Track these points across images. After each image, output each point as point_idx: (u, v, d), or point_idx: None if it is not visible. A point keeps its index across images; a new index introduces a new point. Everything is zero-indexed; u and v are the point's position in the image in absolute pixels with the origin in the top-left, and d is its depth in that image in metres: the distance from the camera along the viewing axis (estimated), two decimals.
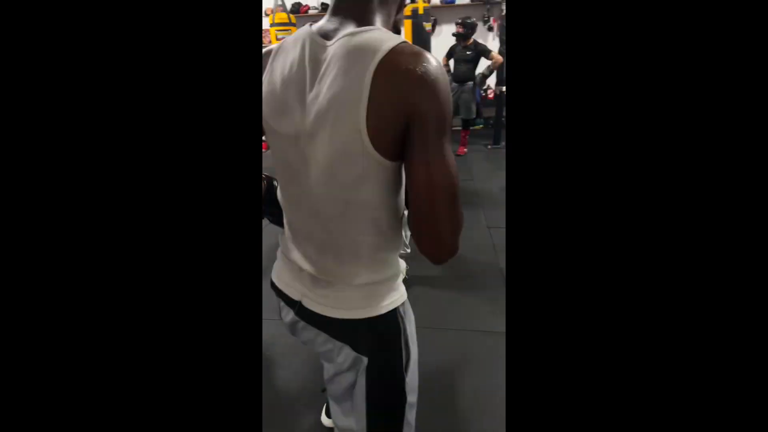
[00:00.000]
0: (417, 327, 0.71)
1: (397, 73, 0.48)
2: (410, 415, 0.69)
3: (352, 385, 0.68)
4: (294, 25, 4.04)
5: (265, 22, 4.63)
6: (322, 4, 5.28)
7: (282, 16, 3.91)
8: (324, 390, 1.11)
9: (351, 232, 0.58)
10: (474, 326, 1.67)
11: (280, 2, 4.01)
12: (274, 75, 0.57)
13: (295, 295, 0.66)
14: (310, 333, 0.68)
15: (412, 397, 0.67)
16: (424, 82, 0.48)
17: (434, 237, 0.53)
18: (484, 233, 2.53)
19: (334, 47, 0.52)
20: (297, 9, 5.30)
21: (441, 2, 5.12)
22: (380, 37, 0.50)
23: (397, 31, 0.61)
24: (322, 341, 0.67)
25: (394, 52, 0.48)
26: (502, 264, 2.11)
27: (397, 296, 0.64)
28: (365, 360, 0.63)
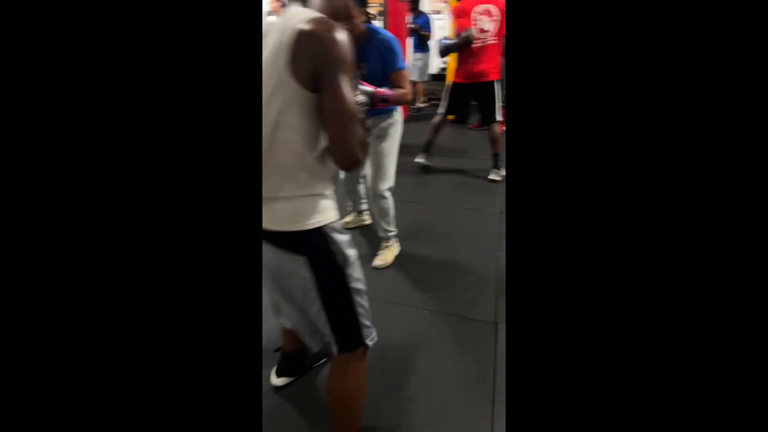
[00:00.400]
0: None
1: (310, 34, 0.72)
2: (361, 299, 0.90)
3: (301, 284, 0.85)
4: None
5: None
6: None
7: None
8: (277, 350, 1.21)
9: (278, 151, 0.77)
10: (448, 309, 1.70)
11: None
12: None
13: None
14: (267, 252, 0.84)
15: (356, 285, 0.88)
16: (326, 40, 0.72)
17: (339, 147, 0.74)
18: (495, 219, 2.49)
19: (279, 20, 0.77)
20: None
21: None
22: (304, 12, 0.76)
23: (337, 17, 0.83)
24: (270, 255, 0.84)
25: (313, 21, 0.74)
26: (501, 251, 2.09)
27: (322, 217, 0.81)
28: (304, 259, 0.82)
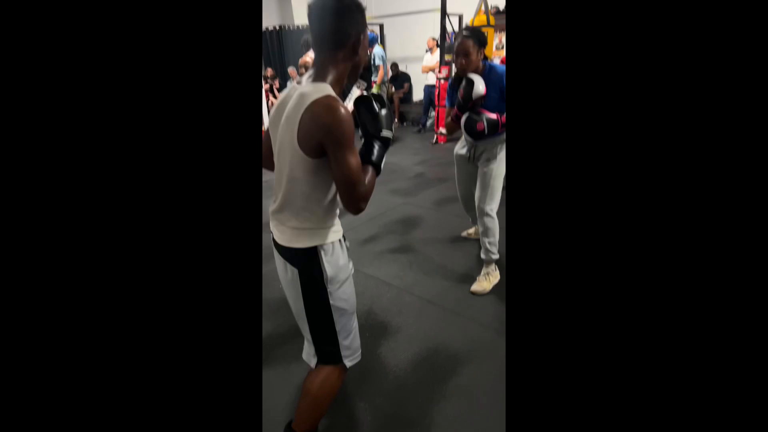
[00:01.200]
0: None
1: (313, 115, 0.85)
2: (341, 321, 1.03)
3: (293, 292, 1.03)
4: (492, 26, 4.45)
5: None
6: None
7: (481, 19, 4.39)
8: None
9: (289, 196, 0.96)
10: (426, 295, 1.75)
11: (482, 7, 4.32)
12: (277, 106, 0.99)
13: (272, 230, 1.05)
14: (278, 261, 1.04)
15: (338, 302, 1.02)
16: (327, 122, 0.84)
17: (346, 202, 0.93)
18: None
19: (296, 92, 0.91)
20: None
21: None
22: (310, 92, 0.87)
23: (356, 74, 0.98)
24: (280, 265, 1.04)
25: (315, 103, 0.85)
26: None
27: (318, 241, 0.98)
28: (296, 270, 0.99)
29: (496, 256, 2.00)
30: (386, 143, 1.03)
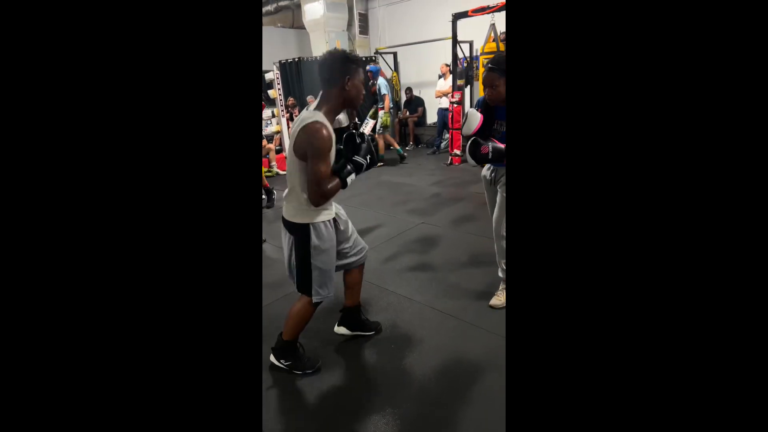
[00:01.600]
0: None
1: (303, 134, 1.34)
2: (317, 274, 1.54)
3: (289, 249, 1.56)
4: (503, 53, 4.48)
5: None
6: None
7: (491, 46, 4.67)
8: (342, 310, 1.90)
9: (291, 186, 1.48)
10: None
11: (492, 34, 4.62)
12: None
13: (283, 213, 1.56)
14: (283, 229, 1.57)
15: (317, 262, 1.52)
16: (310, 138, 1.32)
17: (310, 193, 1.39)
18: None
19: (305, 115, 1.39)
20: None
21: None
22: (307, 117, 1.36)
23: (351, 104, 1.44)
24: (284, 232, 1.56)
25: (307, 125, 1.33)
26: None
27: (308, 220, 1.47)
28: (293, 238, 1.52)
29: None
30: (358, 166, 1.45)
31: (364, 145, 1.45)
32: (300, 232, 1.48)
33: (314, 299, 1.58)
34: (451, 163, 5.41)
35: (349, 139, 1.46)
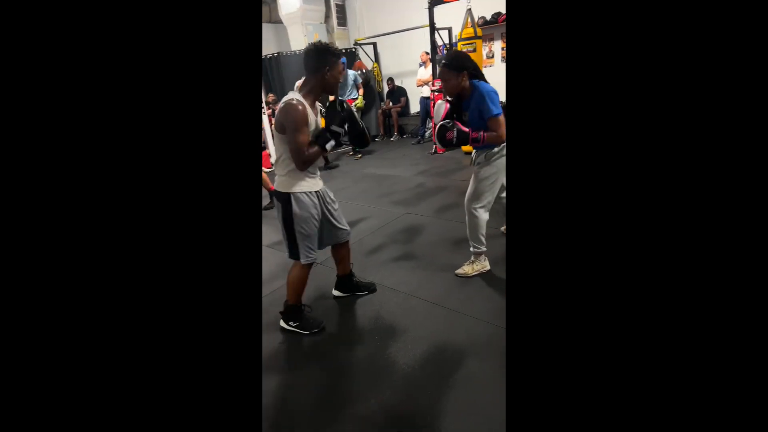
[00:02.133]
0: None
1: (281, 111, 1.60)
2: (301, 239, 1.77)
3: (279, 215, 1.77)
4: (480, 38, 4.67)
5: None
6: None
7: (468, 31, 4.61)
8: (337, 277, 2.22)
9: (278, 158, 1.70)
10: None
11: (469, 20, 4.56)
12: None
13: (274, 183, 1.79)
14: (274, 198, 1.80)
15: (299, 228, 1.74)
16: (285, 112, 1.59)
17: (295, 161, 1.64)
18: None
19: (286, 96, 1.66)
20: (496, 19, 5.68)
21: None
22: (288, 97, 1.62)
23: (329, 90, 1.70)
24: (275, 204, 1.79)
25: (285, 103, 1.60)
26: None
27: (291, 189, 1.70)
28: (280, 205, 1.74)
29: (477, 249, 2.22)
30: (335, 134, 1.67)
31: (342, 115, 1.66)
32: (283, 200, 1.71)
33: (303, 261, 1.79)
34: (435, 152, 5.40)
35: (330, 109, 1.68)
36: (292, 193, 1.69)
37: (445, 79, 1.95)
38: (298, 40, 6.68)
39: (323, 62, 1.59)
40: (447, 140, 1.93)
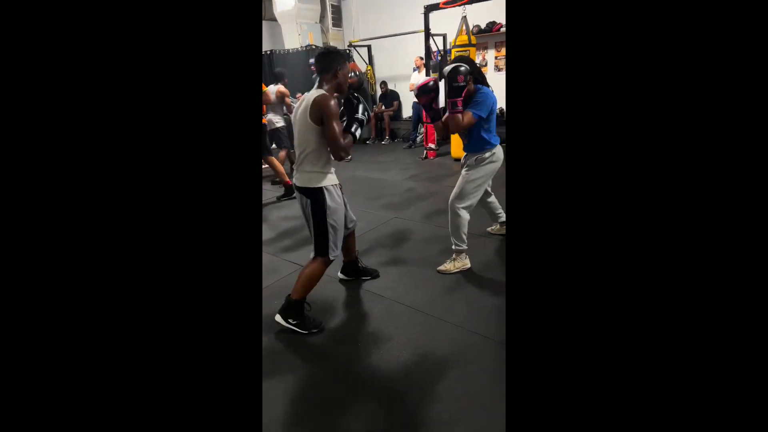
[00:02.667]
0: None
1: (316, 102, 1.69)
2: (332, 232, 1.84)
3: (307, 213, 1.84)
4: (474, 45, 4.72)
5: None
6: None
7: (463, 39, 4.65)
8: (343, 262, 2.35)
9: (305, 153, 1.78)
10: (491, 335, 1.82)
11: (464, 27, 4.59)
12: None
13: (297, 182, 1.85)
14: (297, 194, 1.86)
15: (332, 221, 1.82)
16: (322, 104, 1.68)
17: (333, 151, 1.77)
18: None
19: (309, 94, 1.76)
20: (490, 28, 5.74)
21: None
22: (314, 93, 1.73)
23: (341, 89, 1.81)
24: (298, 196, 1.85)
25: (317, 96, 1.70)
26: None
27: (322, 184, 1.79)
28: (308, 200, 1.80)
29: (459, 247, 2.30)
30: (360, 121, 1.84)
31: (360, 105, 1.85)
32: (315, 195, 1.78)
33: (331, 256, 1.86)
34: (426, 157, 5.40)
35: (348, 102, 1.87)
36: (325, 187, 1.78)
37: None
38: (292, 39, 6.63)
39: (335, 62, 1.75)
40: (427, 88, 2.11)
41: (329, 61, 1.76)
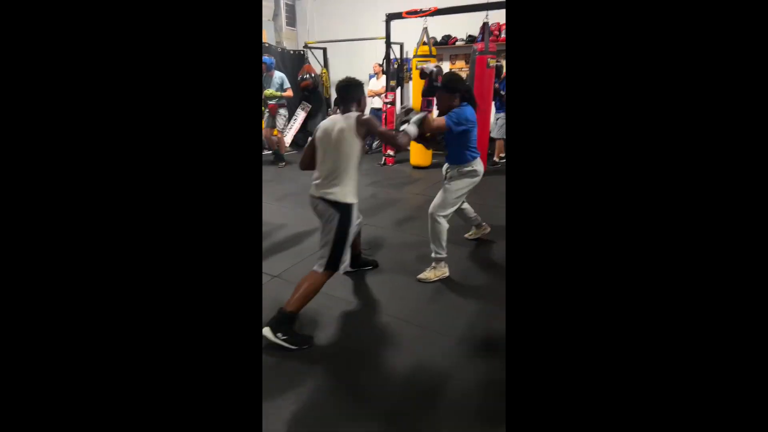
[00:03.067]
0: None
1: (360, 119, 1.83)
2: (347, 246, 1.86)
3: (330, 226, 1.84)
4: (434, 56, 4.77)
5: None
6: (468, 35, 5.80)
7: (424, 49, 4.70)
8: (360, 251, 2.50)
9: (337, 172, 1.84)
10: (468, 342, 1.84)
11: (425, 38, 4.64)
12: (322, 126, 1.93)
13: (315, 193, 1.90)
14: (322, 206, 1.87)
15: (350, 236, 1.86)
16: (367, 121, 1.85)
17: (394, 147, 2.06)
18: None
19: (340, 118, 1.88)
20: (446, 41, 5.84)
21: None
22: (351, 115, 1.86)
23: (362, 109, 1.97)
24: (324, 208, 1.86)
25: (357, 117, 1.85)
26: None
27: (350, 200, 1.86)
28: (338, 214, 1.83)
29: (438, 255, 2.35)
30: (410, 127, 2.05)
31: (412, 115, 2.11)
32: (345, 211, 1.83)
33: (341, 270, 1.87)
34: (384, 164, 5.41)
35: (404, 114, 2.17)
36: (354, 204, 1.86)
37: (439, 98, 2.28)
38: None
39: (358, 92, 1.94)
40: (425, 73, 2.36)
41: (353, 92, 1.93)
